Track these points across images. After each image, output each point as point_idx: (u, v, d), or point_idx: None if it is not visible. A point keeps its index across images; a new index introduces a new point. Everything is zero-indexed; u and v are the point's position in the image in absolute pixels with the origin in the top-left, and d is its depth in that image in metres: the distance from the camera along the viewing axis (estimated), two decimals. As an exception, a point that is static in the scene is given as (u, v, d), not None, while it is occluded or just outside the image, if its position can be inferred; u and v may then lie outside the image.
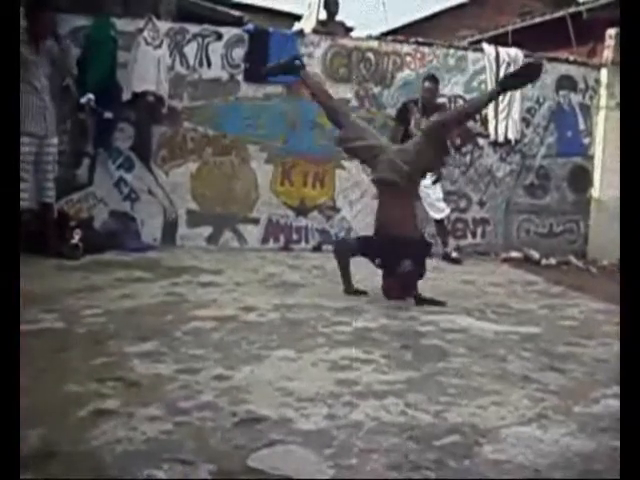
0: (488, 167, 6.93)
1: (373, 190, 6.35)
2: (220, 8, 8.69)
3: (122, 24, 6.06)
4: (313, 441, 2.04)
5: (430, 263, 6.05)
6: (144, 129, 6.18)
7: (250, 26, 6.69)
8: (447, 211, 6.42)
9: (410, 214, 4.39)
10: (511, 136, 6.86)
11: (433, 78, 6.30)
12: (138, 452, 1.91)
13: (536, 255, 6.73)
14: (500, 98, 6.76)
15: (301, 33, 6.64)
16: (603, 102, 7.01)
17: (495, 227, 7.01)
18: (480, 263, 6.41)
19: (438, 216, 6.39)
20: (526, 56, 6.90)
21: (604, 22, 7.18)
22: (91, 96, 5.65)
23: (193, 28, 6.30)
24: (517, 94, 6.79)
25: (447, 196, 6.78)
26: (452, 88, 6.78)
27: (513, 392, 2.62)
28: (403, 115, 6.29)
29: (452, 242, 6.61)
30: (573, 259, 6.80)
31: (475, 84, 6.85)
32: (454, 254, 6.34)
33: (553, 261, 6.68)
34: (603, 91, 7.01)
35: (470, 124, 6.80)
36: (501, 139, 6.85)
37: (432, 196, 6.31)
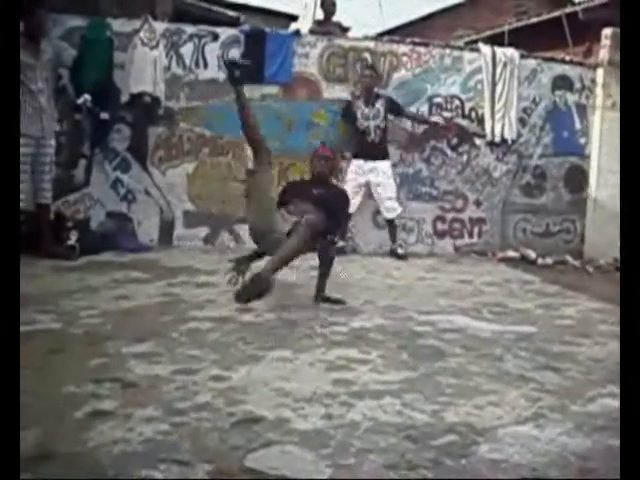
0: (485, 167, 6.93)
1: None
2: (216, 8, 8.71)
3: (118, 25, 6.06)
4: (310, 441, 2.04)
5: (425, 262, 6.15)
6: (140, 130, 6.18)
7: (246, 27, 6.68)
8: (399, 210, 6.41)
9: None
10: (508, 136, 6.86)
11: (371, 66, 6.43)
12: (135, 453, 1.91)
13: (532, 255, 6.73)
14: (497, 98, 6.80)
15: (297, 33, 6.64)
16: (599, 102, 7.02)
17: (492, 227, 7.02)
18: (477, 263, 6.42)
19: (389, 216, 6.39)
20: (522, 56, 6.93)
21: (600, 22, 7.20)
22: (87, 97, 5.64)
23: (189, 29, 6.29)
24: (514, 94, 6.82)
25: (444, 195, 6.81)
26: (448, 88, 6.78)
27: (510, 391, 2.62)
28: (348, 112, 6.40)
29: (401, 237, 6.56)
30: (569, 258, 6.80)
31: (471, 84, 6.85)
32: (400, 250, 6.34)
33: (549, 261, 6.69)
34: (599, 91, 7.02)
35: (466, 124, 6.83)
36: (498, 139, 6.85)
37: (383, 195, 6.33)
